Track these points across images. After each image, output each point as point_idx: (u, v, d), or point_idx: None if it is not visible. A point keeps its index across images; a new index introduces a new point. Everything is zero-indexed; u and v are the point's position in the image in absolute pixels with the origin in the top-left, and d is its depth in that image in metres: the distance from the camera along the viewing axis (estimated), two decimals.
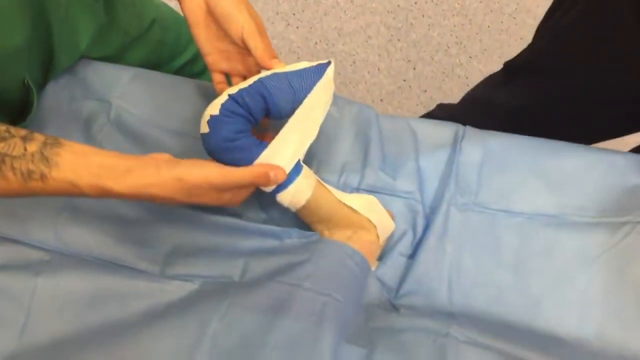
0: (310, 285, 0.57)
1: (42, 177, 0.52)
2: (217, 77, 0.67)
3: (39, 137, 0.53)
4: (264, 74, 0.61)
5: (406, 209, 0.68)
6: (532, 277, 0.64)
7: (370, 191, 0.69)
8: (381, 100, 1.73)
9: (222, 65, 0.66)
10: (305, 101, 0.60)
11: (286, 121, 0.61)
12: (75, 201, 0.67)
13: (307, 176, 0.62)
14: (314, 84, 0.61)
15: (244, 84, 0.60)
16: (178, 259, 0.65)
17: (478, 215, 0.67)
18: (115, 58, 0.80)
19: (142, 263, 0.65)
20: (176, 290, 0.63)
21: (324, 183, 0.63)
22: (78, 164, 0.53)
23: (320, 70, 0.61)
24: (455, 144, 0.71)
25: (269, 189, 0.61)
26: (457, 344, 0.59)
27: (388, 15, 1.81)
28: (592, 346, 0.60)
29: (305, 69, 0.61)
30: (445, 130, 0.72)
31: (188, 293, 0.62)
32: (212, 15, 0.62)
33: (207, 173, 0.55)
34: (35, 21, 0.62)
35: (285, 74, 0.60)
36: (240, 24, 0.61)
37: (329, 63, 0.62)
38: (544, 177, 0.68)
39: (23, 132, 0.53)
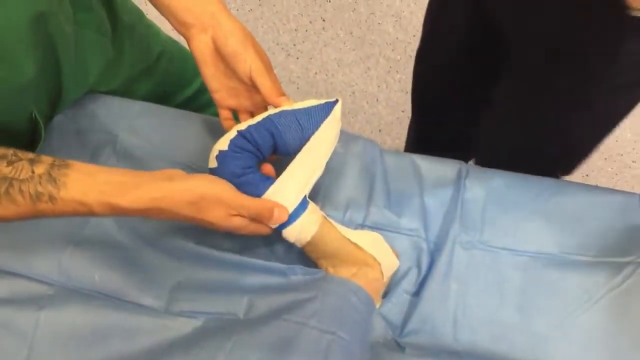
0: (316, 323, 0.57)
1: (51, 198, 0.52)
2: (225, 114, 0.68)
3: (46, 159, 0.53)
4: (272, 111, 0.62)
5: (411, 247, 0.68)
6: (537, 316, 0.64)
7: (374, 228, 0.69)
8: (380, 130, 1.74)
9: (229, 101, 0.67)
10: (312, 139, 0.61)
11: (293, 157, 0.62)
12: (80, 235, 0.67)
13: (313, 212, 0.62)
14: (321, 121, 0.62)
15: (252, 121, 0.61)
16: (182, 294, 0.65)
17: (482, 253, 0.67)
18: (122, 91, 0.81)
19: (146, 298, 0.65)
20: (180, 327, 0.62)
21: (329, 219, 0.64)
22: (86, 182, 0.53)
23: (327, 108, 0.62)
24: (459, 182, 0.71)
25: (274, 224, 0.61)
26: None
27: (387, 47, 1.84)
28: None
29: (313, 107, 0.62)
30: (449, 167, 0.73)
31: (192, 330, 0.62)
32: (219, 53, 0.63)
33: (219, 188, 0.56)
34: (45, 57, 0.63)
35: (294, 111, 0.61)
36: (248, 63, 0.62)
37: (336, 101, 0.63)
38: (546, 216, 0.69)
39: (30, 155, 0.54)
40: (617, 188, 0.72)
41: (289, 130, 0.60)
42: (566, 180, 0.73)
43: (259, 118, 0.61)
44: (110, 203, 0.53)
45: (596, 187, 0.73)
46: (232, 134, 0.61)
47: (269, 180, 0.61)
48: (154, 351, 0.61)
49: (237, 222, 0.58)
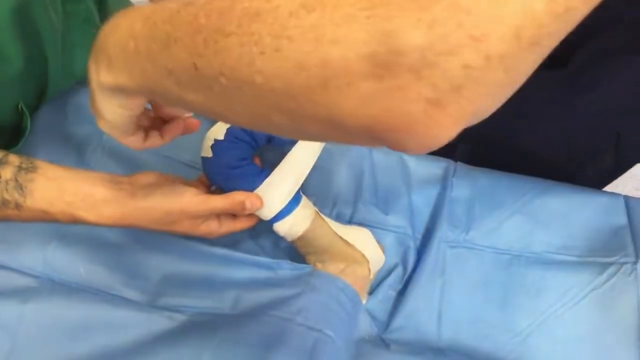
0: (302, 320, 0.57)
1: (17, 206, 0.52)
2: None
3: (14, 160, 0.53)
4: None
5: (397, 243, 0.69)
6: (520, 314, 0.65)
7: (361, 224, 0.69)
8: None
9: None
10: None
11: (286, 149, 0.62)
12: (66, 228, 0.66)
13: (306, 207, 0.62)
14: None
15: None
16: (168, 289, 0.64)
17: (468, 251, 0.68)
18: None
19: (131, 292, 0.64)
20: (165, 321, 0.62)
21: (321, 215, 0.64)
22: (52, 191, 0.52)
23: None
24: (446, 180, 0.72)
25: (267, 217, 0.61)
26: None
27: None
28: None
29: None
30: (436, 165, 0.74)
31: (178, 324, 0.62)
32: None
33: (182, 202, 0.55)
34: (31, 48, 0.62)
35: None
36: None
37: None
38: (531, 216, 0.70)
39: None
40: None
41: None
42: (551, 181, 0.74)
43: None
44: (75, 216, 0.53)
45: (581, 188, 0.73)
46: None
47: (263, 173, 0.60)
48: (139, 345, 0.60)
49: (209, 228, 0.58)
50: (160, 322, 0.62)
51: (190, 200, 0.55)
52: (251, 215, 0.62)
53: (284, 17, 0.27)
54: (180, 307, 0.63)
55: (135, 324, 0.62)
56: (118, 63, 0.39)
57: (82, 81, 0.76)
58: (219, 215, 0.60)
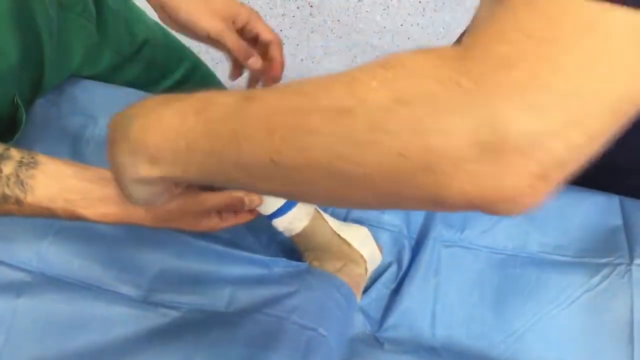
0: (297, 318, 0.57)
1: (18, 201, 0.51)
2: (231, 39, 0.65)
3: (15, 155, 0.52)
4: None
5: (392, 242, 0.69)
6: (514, 314, 0.65)
7: (357, 222, 0.69)
8: None
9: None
10: None
11: None
12: (61, 223, 0.66)
13: (306, 204, 0.62)
14: None
15: None
16: (162, 285, 0.64)
17: (463, 251, 0.68)
18: (105, 77, 0.79)
19: (125, 287, 0.64)
20: (159, 317, 0.62)
21: (321, 212, 0.63)
22: (52, 188, 0.52)
23: None
24: None
25: (266, 212, 0.60)
26: None
27: (374, 36, 1.83)
28: None
29: None
30: None
31: (172, 320, 0.62)
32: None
33: (182, 200, 0.54)
34: (28, 41, 0.62)
35: None
36: (206, 31, 0.62)
37: None
38: (525, 215, 0.70)
39: (0, 148, 0.52)
40: None
41: None
42: None
43: None
44: (75, 213, 0.53)
45: (578, 188, 0.73)
46: None
47: None
48: (132, 342, 0.60)
49: (211, 223, 0.58)
50: (153, 319, 0.62)
51: (190, 199, 0.54)
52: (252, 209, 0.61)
53: (377, 111, 0.29)
54: (174, 303, 0.63)
55: (128, 320, 0.62)
56: (166, 159, 0.40)
57: (77, 74, 0.76)
58: (220, 211, 0.59)
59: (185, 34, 0.65)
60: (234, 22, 0.65)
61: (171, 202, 0.52)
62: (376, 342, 0.63)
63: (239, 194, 0.57)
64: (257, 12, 0.68)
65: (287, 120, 0.32)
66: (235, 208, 0.58)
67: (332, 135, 0.30)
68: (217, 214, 0.58)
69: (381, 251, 0.66)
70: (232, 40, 0.62)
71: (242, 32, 0.66)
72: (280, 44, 0.68)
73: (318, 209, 0.63)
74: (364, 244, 0.64)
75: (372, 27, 1.84)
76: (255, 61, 0.63)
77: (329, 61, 1.80)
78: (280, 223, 0.61)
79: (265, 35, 0.67)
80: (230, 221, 0.59)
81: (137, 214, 0.53)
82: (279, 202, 0.60)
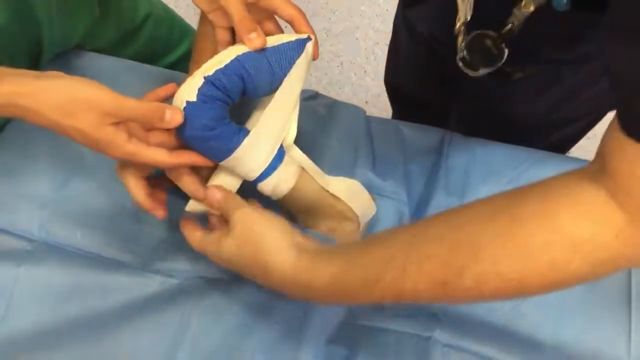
0: None
1: None
2: (222, 35, 0.59)
3: None
4: (239, 50, 0.55)
5: (393, 210, 0.69)
6: None
7: None
8: (366, 102, 1.74)
9: (224, 21, 0.59)
10: (285, 82, 0.57)
11: (262, 100, 0.59)
12: (63, 193, 0.66)
13: (290, 163, 0.59)
14: (293, 61, 0.56)
15: (219, 64, 0.54)
16: (162, 253, 0.65)
17: None
18: (108, 51, 0.79)
19: (125, 255, 0.65)
20: (157, 285, 0.63)
21: (309, 168, 0.61)
22: None
23: (299, 45, 0.57)
24: (442, 149, 0.72)
25: (251, 177, 0.58)
26: (439, 347, 0.60)
27: (377, 19, 1.83)
28: (571, 351, 0.61)
29: (284, 45, 0.56)
30: (432, 134, 0.73)
31: (169, 288, 0.62)
32: None
33: (93, 90, 0.47)
34: (16, 6, 0.61)
35: (264, 51, 0.55)
36: None
37: (308, 38, 0.58)
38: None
39: None
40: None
41: (259, 73, 0.55)
42: (546, 152, 0.73)
43: (225, 60, 0.54)
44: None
45: (574, 158, 0.74)
46: (197, 81, 0.53)
47: (242, 132, 0.56)
48: (129, 308, 0.61)
49: (114, 135, 0.49)
50: (152, 286, 0.62)
51: (100, 92, 0.47)
52: (170, 135, 0.54)
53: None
54: (172, 271, 0.63)
55: (127, 287, 0.62)
56: None
57: (80, 45, 0.76)
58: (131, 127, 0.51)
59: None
60: None
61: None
62: (376, 305, 0.63)
63: (161, 104, 0.52)
64: None
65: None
66: (153, 122, 0.51)
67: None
68: (126, 129, 0.50)
69: (374, 200, 0.65)
70: (237, 8, 0.54)
71: (255, 9, 0.57)
72: (305, 18, 0.58)
73: (303, 168, 0.60)
74: (354, 197, 0.62)
75: (375, 10, 1.84)
76: (255, 37, 0.54)
77: (331, 44, 1.79)
78: (265, 186, 0.58)
79: (285, 11, 0.57)
80: (138, 146, 0.51)
81: (32, 96, 0.46)
82: (262, 165, 0.57)
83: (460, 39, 0.63)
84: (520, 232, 0.42)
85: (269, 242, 0.51)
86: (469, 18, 0.60)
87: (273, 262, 0.50)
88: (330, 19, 1.82)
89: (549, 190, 0.43)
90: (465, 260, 0.42)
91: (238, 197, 0.56)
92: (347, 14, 1.83)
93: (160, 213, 0.57)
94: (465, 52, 0.63)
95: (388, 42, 1.71)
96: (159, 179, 0.59)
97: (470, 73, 0.64)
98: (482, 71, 0.63)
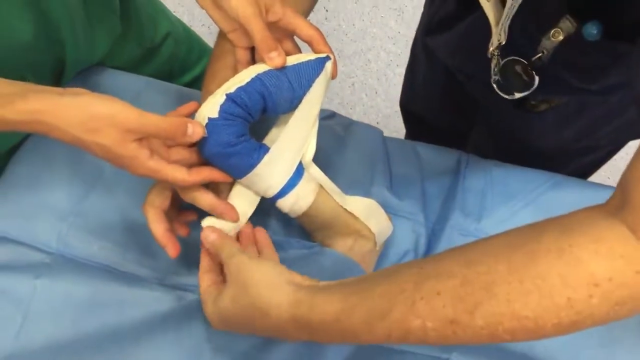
0: None
1: None
2: (241, 55, 0.60)
3: None
4: (259, 69, 0.56)
5: (409, 230, 0.69)
6: None
7: None
8: (377, 123, 1.75)
9: (244, 41, 0.59)
10: (305, 101, 0.58)
11: (281, 118, 0.60)
12: (82, 206, 0.67)
13: (309, 180, 0.60)
14: (312, 80, 0.58)
15: (240, 82, 0.55)
16: (179, 268, 0.65)
17: None
18: (128, 69, 0.80)
19: (142, 270, 0.65)
20: (174, 300, 0.63)
21: (327, 186, 0.62)
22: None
23: (319, 64, 0.58)
24: (459, 171, 0.72)
25: (269, 194, 0.59)
26: None
27: (388, 41, 1.84)
28: None
29: (304, 64, 0.58)
30: (449, 155, 0.74)
31: (187, 303, 0.62)
32: None
33: (116, 107, 0.48)
34: (41, 21, 0.62)
35: (284, 70, 0.57)
36: (234, 9, 0.55)
37: (328, 57, 0.59)
38: (543, 208, 0.70)
39: None
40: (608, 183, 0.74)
41: (280, 91, 0.56)
42: (563, 175, 0.74)
43: (246, 78, 0.55)
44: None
45: (591, 183, 0.74)
46: (219, 98, 0.54)
47: (262, 149, 0.57)
48: (147, 324, 0.61)
49: (136, 152, 0.49)
50: (169, 301, 0.62)
51: (123, 109, 0.48)
52: (190, 152, 0.55)
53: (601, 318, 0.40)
54: (189, 286, 0.63)
55: (144, 302, 0.62)
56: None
57: (101, 63, 0.77)
58: (153, 143, 0.52)
59: (214, 18, 0.58)
60: (266, 12, 0.57)
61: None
62: None
63: (183, 119, 0.52)
64: (293, 8, 0.59)
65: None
66: (175, 137, 0.52)
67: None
68: (148, 145, 0.51)
69: (390, 220, 0.65)
70: (258, 27, 0.55)
71: (274, 28, 0.58)
72: (323, 39, 0.59)
73: (322, 185, 0.61)
74: (371, 216, 0.62)
75: (387, 32, 1.85)
76: (276, 56, 0.55)
77: (344, 65, 1.81)
78: (284, 203, 0.59)
79: (304, 31, 0.58)
80: (159, 162, 0.51)
81: (55, 113, 0.47)
82: (282, 182, 0.58)
83: (494, 62, 0.63)
84: (537, 268, 0.40)
85: (265, 283, 0.49)
86: (503, 42, 0.60)
87: (269, 299, 0.48)
88: (342, 40, 1.84)
89: (568, 225, 0.42)
90: (478, 297, 0.40)
91: (232, 243, 0.56)
92: (359, 36, 1.85)
93: (172, 252, 0.57)
94: (498, 75, 0.63)
95: (399, 63, 1.72)
96: (184, 213, 0.61)
97: (505, 96, 0.64)
98: (517, 95, 0.63)
